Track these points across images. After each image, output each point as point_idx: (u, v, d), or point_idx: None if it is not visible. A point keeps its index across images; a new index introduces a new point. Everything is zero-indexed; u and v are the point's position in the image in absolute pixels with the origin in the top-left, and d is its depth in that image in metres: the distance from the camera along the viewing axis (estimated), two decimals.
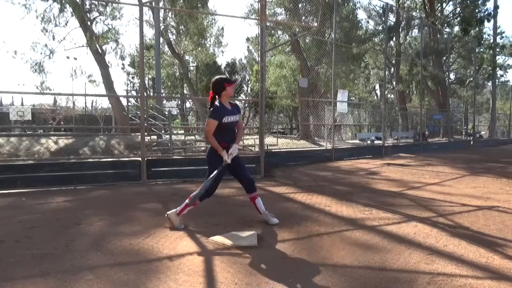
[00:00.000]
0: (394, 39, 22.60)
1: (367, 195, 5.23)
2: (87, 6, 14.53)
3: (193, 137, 14.06)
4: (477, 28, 23.16)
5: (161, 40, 18.84)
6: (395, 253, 2.80)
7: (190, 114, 32.14)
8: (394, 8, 20.76)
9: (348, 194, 5.27)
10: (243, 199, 4.86)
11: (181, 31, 20.35)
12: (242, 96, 38.34)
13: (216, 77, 3.53)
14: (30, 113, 22.91)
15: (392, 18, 21.11)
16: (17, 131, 16.90)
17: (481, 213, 4.10)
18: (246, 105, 32.27)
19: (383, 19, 17.44)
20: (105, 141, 11.56)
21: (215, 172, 3.38)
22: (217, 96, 3.43)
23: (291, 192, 5.52)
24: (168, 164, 6.87)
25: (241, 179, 3.55)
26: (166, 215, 3.50)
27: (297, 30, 14.65)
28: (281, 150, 10.82)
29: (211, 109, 3.40)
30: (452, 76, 24.67)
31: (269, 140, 13.66)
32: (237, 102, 3.87)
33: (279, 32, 17.34)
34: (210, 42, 23.51)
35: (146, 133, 8.91)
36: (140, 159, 6.27)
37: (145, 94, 8.39)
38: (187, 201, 3.43)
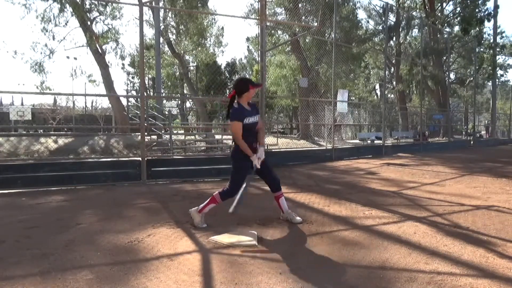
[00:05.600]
0: (394, 39, 22.61)
1: (367, 195, 5.24)
2: (87, 6, 14.51)
3: (193, 137, 14.06)
4: (477, 28, 23.15)
5: (161, 40, 18.84)
6: (394, 253, 2.80)
7: (190, 114, 32.13)
8: (394, 8, 20.75)
9: (348, 194, 5.27)
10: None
11: (181, 31, 20.35)
12: None
13: (241, 77, 3.60)
14: (30, 113, 22.92)
15: (392, 18, 21.11)
16: (18, 131, 16.90)
17: (480, 213, 4.10)
18: None
19: (383, 19, 17.44)
20: (105, 140, 11.56)
21: (240, 173, 3.40)
22: (237, 96, 3.38)
23: (291, 192, 5.52)
24: (168, 164, 6.87)
25: (267, 179, 3.57)
26: (188, 212, 3.58)
27: (297, 30, 14.65)
28: (281, 150, 10.82)
29: (231, 111, 3.34)
30: (452, 76, 24.69)
31: (269, 139, 13.66)
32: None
33: (279, 32, 17.35)
34: (210, 42, 23.51)
35: (146, 133, 8.91)
36: (140, 159, 6.27)
37: (145, 94, 8.40)
38: (209, 199, 3.48)
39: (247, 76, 39.57)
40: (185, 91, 31.43)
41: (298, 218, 3.66)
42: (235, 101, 3.39)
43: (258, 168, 3.41)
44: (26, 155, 9.38)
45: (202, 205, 3.50)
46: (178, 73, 28.33)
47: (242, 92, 3.35)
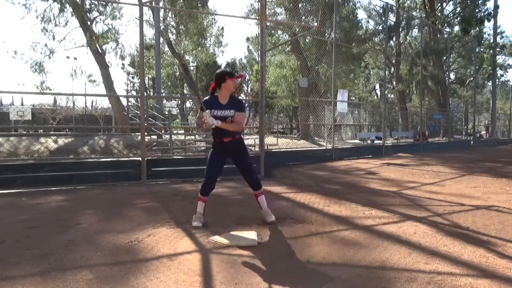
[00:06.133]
0: (394, 39, 22.60)
1: (367, 195, 5.24)
2: (87, 6, 14.52)
3: (193, 137, 14.06)
4: (477, 28, 23.15)
5: (161, 40, 18.83)
6: (394, 253, 2.80)
7: (190, 114, 32.13)
8: (394, 8, 20.75)
9: (348, 194, 5.27)
10: (243, 199, 4.87)
11: (181, 31, 20.34)
12: (242, 96, 38.34)
13: (220, 70, 3.61)
14: (30, 113, 22.92)
15: (392, 18, 21.11)
16: (18, 131, 16.90)
17: (480, 213, 4.10)
18: (247, 105, 32.33)
19: (383, 19, 17.44)
20: (105, 140, 11.56)
21: (210, 165, 3.49)
22: (218, 88, 3.45)
23: (291, 191, 5.52)
24: (168, 164, 6.87)
25: (245, 177, 3.61)
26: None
27: (297, 30, 14.65)
28: (281, 150, 10.82)
29: None
30: (452, 76, 24.69)
31: (269, 140, 13.65)
32: None
33: (279, 32, 17.34)
34: (210, 42, 23.49)
35: (146, 133, 8.91)
36: (140, 159, 6.27)
37: (145, 94, 8.40)
38: (198, 200, 3.58)
39: (247, 76, 39.59)
40: (185, 91, 31.42)
41: (271, 217, 3.59)
42: (217, 92, 3.48)
43: (235, 160, 3.54)
44: (26, 155, 9.39)
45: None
46: (178, 73, 28.35)
47: (219, 83, 3.42)
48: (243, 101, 3.67)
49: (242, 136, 3.64)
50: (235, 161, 3.58)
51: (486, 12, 22.62)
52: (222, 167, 3.56)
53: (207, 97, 3.50)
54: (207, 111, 3.32)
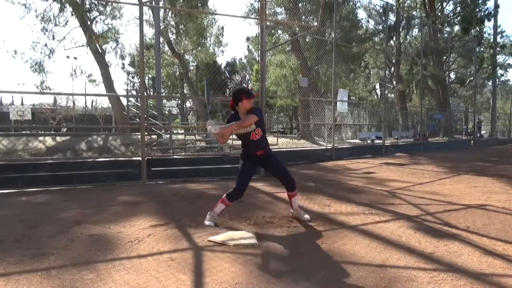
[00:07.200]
0: (394, 38, 22.58)
1: (367, 194, 5.24)
2: (87, 6, 14.53)
3: (193, 137, 14.06)
4: (477, 28, 23.14)
5: (161, 39, 18.83)
6: (395, 252, 2.80)
7: (190, 113, 32.10)
8: (394, 7, 20.73)
9: (348, 194, 5.27)
10: (243, 199, 4.86)
11: (181, 30, 20.36)
12: None
13: (238, 87, 3.67)
14: (30, 113, 22.92)
15: (392, 17, 21.10)
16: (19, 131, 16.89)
17: (480, 212, 4.10)
18: None
19: (383, 18, 17.43)
20: (105, 140, 11.56)
21: (241, 173, 3.55)
22: (236, 106, 3.50)
23: None
24: (168, 164, 6.87)
25: (281, 179, 3.68)
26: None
27: (297, 29, 14.65)
28: (281, 149, 10.82)
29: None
30: (452, 75, 24.66)
31: (269, 139, 13.62)
32: None
33: (279, 31, 17.35)
34: (210, 41, 23.53)
35: (146, 133, 8.91)
36: (140, 158, 6.27)
37: (145, 94, 8.40)
38: (220, 201, 3.56)
39: (247, 76, 39.58)
40: (185, 91, 31.40)
41: (306, 216, 3.74)
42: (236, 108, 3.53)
43: (264, 165, 3.66)
44: (26, 153, 9.39)
45: (215, 207, 3.60)
46: (178, 72, 28.34)
47: (236, 101, 3.48)
48: (260, 108, 3.67)
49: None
50: (269, 169, 3.68)
51: (486, 12, 22.59)
52: (252, 176, 3.68)
53: (232, 114, 3.57)
54: (209, 120, 3.42)
